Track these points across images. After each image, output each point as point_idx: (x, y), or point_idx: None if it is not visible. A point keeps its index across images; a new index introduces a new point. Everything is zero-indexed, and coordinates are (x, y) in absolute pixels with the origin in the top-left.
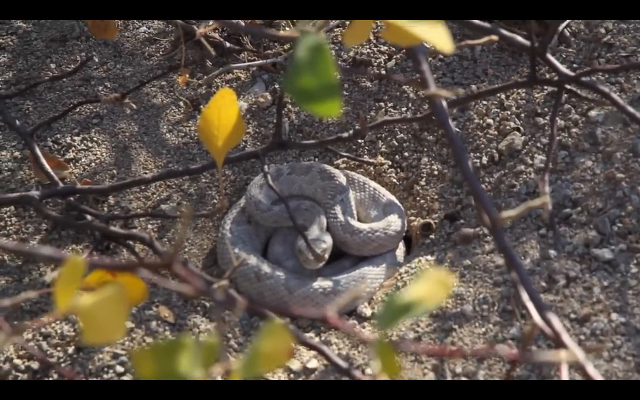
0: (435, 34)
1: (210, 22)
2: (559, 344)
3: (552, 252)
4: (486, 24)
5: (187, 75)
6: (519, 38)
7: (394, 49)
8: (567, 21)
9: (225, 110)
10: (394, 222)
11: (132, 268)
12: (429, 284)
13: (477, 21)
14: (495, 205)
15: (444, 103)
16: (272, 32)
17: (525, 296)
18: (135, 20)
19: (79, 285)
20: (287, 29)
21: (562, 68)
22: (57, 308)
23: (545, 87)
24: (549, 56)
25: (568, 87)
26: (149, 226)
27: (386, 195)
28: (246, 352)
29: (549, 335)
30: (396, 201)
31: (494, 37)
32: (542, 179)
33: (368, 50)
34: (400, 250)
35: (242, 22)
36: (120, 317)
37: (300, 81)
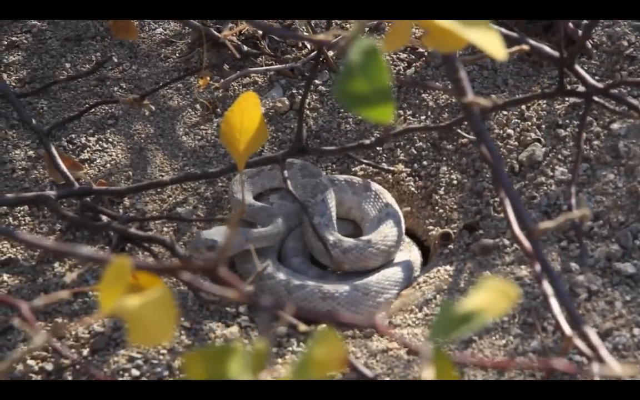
0: (487, 39)
1: (230, 25)
2: (596, 358)
3: (573, 265)
4: (513, 34)
5: (208, 78)
6: (547, 48)
7: (413, 56)
8: (588, 32)
9: (248, 114)
10: (390, 233)
11: (175, 271)
12: (490, 294)
13: (504, 30)
14: None
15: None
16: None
17: (555, 309)
18: (151, 22)
19: (124, 287)
20: (304, 32)
21: (591, 79)
22: (101, 310)
23: (567, 99)
24: (577, 67)
25: (595, 99)
26: (165, 229)
27: (386, 198)
28: (297, 359)
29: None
30: (395, 206)
31: (525, 47)
32: (570, 191)
33: (387, 57)
34: (416, 257)
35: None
36: (169, 319)
37: (353, 86)
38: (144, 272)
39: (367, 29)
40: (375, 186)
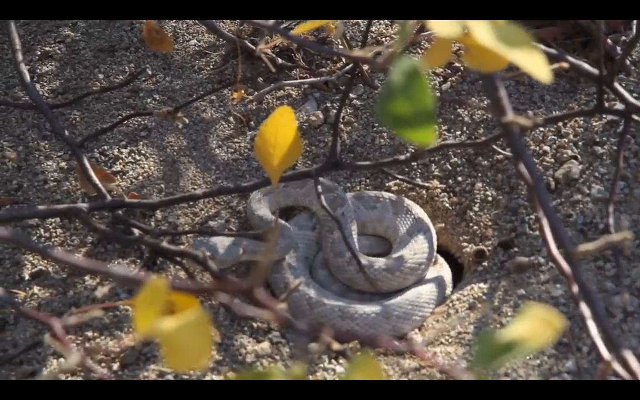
0: (531, 61)
1: (266, 38)
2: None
3: (609, 285)
4: (552, 51)
5: (242, 91)
6: (586, 66)
7: (449, 71)
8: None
9: (282, 129)
10: (418, 251)
11: (211, 291)
12: (533, 322)
13: (543, 47)
14: None
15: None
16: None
17: (593, 332)
18: (185, 33)
19: (159, 308)
20: (340, 47)
21: (630, 97)
22: (137, 331)
23: (604, 116)
24: (617, 85)
25: (635, 117)
26: None
27: (418, 213)
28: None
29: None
30: (426, 220)
31: (564, 64)
32: (607, 210)
33: (434, 67)
34: (447, 273)
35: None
36: (205, 342)
37: (394, 106)
38: (180, 292)
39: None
40: (407, 202)
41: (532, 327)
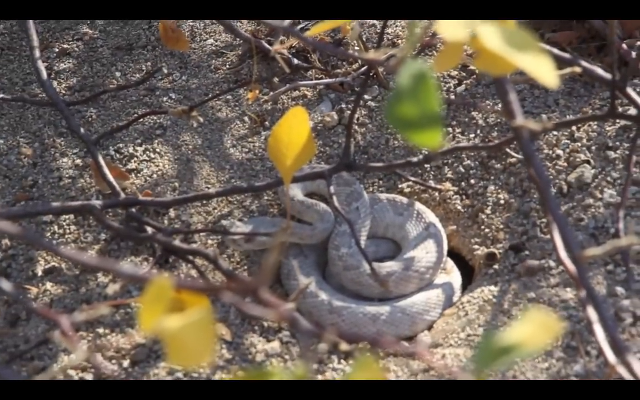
0: (539, 66)
1: (281, 38)
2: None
3: (619, 289)
4: (566, 55)
5: (258, 92)
6: (600, 70)
7: (464, 73)
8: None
9: (296, 129)
10: (424, 257)
11: (217, 291)
12: (532, 326)
13: (556, 51)
14: None
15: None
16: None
17: (600, 336)
18: (203, 33)
19: (165, 306)
20: (356, 49)
21: None
22: (142, 329)
23: (618, 120)
24: (629, 90)
25: None
26: (209, 241)
27: (429, 217)
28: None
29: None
30: (437, 224)
31: (577, 69)
32: (618, 216)
33: (437, 74)
34: (456, 277)
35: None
36: (208, 341)
37: (402, 109)
38: (185, 291)
39: (418, 46)
40: (418, 205)
41: (532, 331)
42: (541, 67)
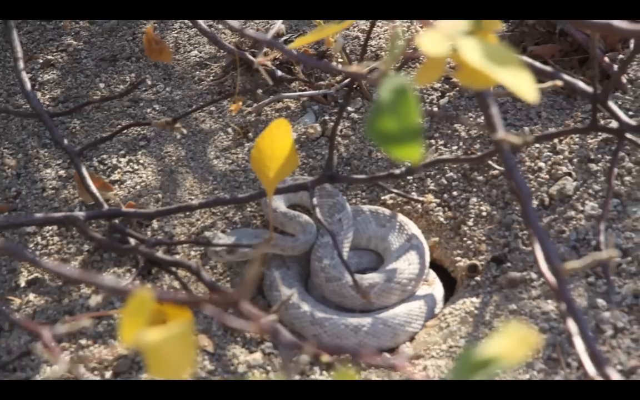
0: (518, 81)
1: (265, 50)
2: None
3: (600, 302)
4: (548, 68)
5: (241, 103)
6: (581, 84)
7: (447, 86)
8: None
9: (278, 141)
10: (406, 269)
11: (197, 304)
12: (511, 339)
13: (538, 64)
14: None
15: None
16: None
17: (579, 348)
18: (187, 44)
19: (145, 318)
20: (340, 62)
21: (624, 116)
22: (123, 341)
23: (600, 133)
24: (611, 103)
25: (628, 136)
26: (192, 252)
27: (411, 228)
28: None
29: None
30: (420, 236)
31: (558, 83)
32: (599, 229)
33: (421, 86)
34: (438, 289)
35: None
36: (188, 354)
37: (382, 123)
38: (166, 303)
39: (401, 59)
40: (400, 217)
41: (511, 344)
42: (521, 81)
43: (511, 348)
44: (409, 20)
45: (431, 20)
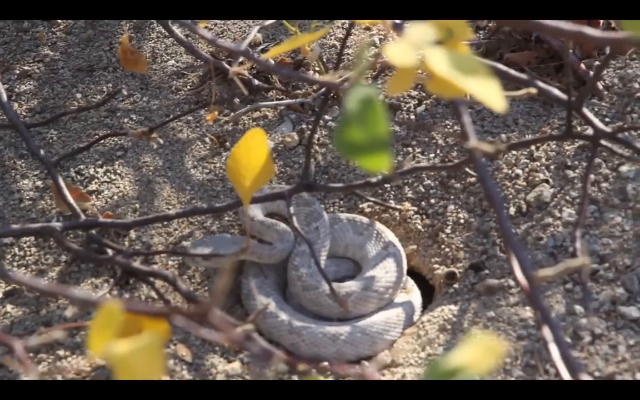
0: (486, 90)
1: (240, 60)
2: None
3: (577, 308)
4: (523, 76)
5: (217, 113)
6: (556, 91)
7: (424, 93)
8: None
9: (254, 151)
10: (383, 277)
11: (167, 315)
12: (476, 350)
13: (513, 72)
14: None
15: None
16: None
17: (555, 355)
18: (164, 54)
19: (114, 331)
20: (317, 70)
21: (599, 123)
22: (92, 353)
23: (577, 140)
24: (585, 111)
25: (603, 142)
26: (170, 262)
27: (388, 236)
28: None
29: None
30: (397, 244)
31: (532, 90)
32: (575, 236)
33: (398, 94)
34: (416, 296)
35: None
36: (156, 366)
37: (349, 134)
38: (136, 315)
39: (373, 72)
40: (377, 225)
41: (476, 354)
42: (489, 91)
43: (478, 357)
44: (383, 29)
45: (402, 28)
